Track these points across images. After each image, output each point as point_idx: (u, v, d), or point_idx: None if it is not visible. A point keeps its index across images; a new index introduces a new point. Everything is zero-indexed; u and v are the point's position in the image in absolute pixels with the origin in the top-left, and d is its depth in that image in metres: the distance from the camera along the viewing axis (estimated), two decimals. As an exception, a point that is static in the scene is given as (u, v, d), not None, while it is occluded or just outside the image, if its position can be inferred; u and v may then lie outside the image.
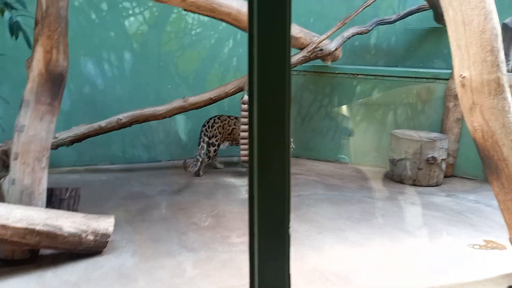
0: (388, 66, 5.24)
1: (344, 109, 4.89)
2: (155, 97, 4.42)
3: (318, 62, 4.75)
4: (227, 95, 4.16)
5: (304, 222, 3.12)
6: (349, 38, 4.63)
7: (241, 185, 3.98)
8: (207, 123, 4.29)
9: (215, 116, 4.35)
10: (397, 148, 4.21)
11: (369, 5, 4.24)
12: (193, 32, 4.61)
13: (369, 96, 4.74)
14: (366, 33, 4.74)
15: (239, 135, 4.22)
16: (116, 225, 2.61)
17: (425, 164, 4.06)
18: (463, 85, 2.12)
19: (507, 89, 2.08)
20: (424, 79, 4.51)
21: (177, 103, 4.08)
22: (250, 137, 0.53)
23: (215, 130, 4.30)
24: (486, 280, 2.36)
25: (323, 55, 4.44)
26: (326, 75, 4.90)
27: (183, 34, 4.58)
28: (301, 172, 4.51)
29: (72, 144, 3.85)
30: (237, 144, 4.35)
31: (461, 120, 4.31)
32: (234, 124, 4.35)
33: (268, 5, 0.47)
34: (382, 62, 5.41)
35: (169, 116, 4.13)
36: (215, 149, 4.31)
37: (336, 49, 4.48)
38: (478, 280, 2.36)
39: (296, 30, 4.15)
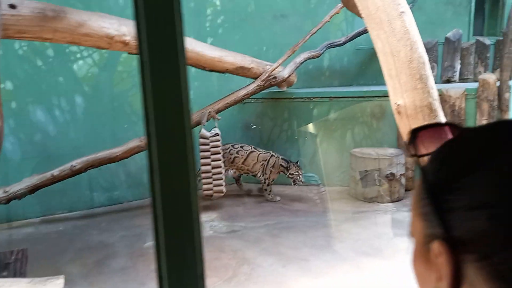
0: (343, 86, 5.38)
1: (303, 132, 4.96)
2: (112, 138, 4.34)
3: (275, 88, 4.82)
4: (184, 130, 4.12)
5: (269, 256, 3.09)
6: (302, 63, 4.74)
7: (205, 220, 3.92)
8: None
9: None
10: (357, 167, 4.28)
11: (316, 32, 4.37)
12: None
13: (326, 117, 4.83)
14: (318, 56, 4.87)
15: (243, 163, 4.36)
16: (70, 281, 2.49)
17: (385, 181, 4.14)
18: (399, 113, 2.19)
19: (440, 113, 2.17)
20: (376, 97, 4.65)
21: (134, 143, 4.02)
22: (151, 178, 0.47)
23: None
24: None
25: (277, 82, 4.51)
26: (283, 100, 4.97)
27: (135, 72, 4.55)
28: (264, 199, 4.51)
29: (24, 197, 3.70)
30: (246, 173, 4.50)
31: (415, 134, 4.43)
32: (237, 153, 4.43)
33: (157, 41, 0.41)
34: (337, 83, 5.55)
35: (127, 158, 4.05)
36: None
37: (289, 75, 4.57)
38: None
39: (247, 61, 4.21)
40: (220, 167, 4.05)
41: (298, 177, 4.33)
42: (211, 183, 4.07)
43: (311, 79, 5.25)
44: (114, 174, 4.45)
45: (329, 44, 4.97)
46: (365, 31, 5.08)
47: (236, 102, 4.30)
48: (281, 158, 4.43)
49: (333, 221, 3.79)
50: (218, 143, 4.03)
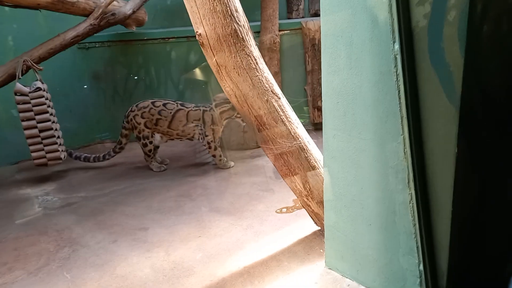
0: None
1: (163, 79, 4.35)
2: None
3: (123, 29, 4.06)
4: (-7, 87, 3.25)
5: (100, 231, 2.59)
6: (150, -3, 4.00)
7: (37, 195, 3.24)
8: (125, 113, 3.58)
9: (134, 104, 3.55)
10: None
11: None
12: None
13: (186, 60, 4.26)
14: (170, -11, 4.17)
15: (169, 127, 3.42)
16: None
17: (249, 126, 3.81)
18: (202, 45, 1.72)
19: (251, 42, 1.75)
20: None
21: None
22: None
23: (131, 120, 3.53)
24: (282, 251, 2.16)
25: (118, 20, 3.75)
26: (135, 43, 4.25)
27: None
28: (124, 160, 3.92)
29: None
30: (179, 138, 3.52)
31: (279, 72, 4.13)
32: (159, 114, 3.44)
33: None
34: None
35: None
36: (144, 142, 3.52)
37: (133, 11, 3.82)
38: (275, 253, 2.15)
39: (69, -7, 3.35)
40: (51, 129, 3.32)
41: None
42: (42, 149, 3.34)
43: (169, 16, 4.54)
44: None
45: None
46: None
47: (63, 47, 3.48)
48: (216, 105, 3.40)
49: (192, 176, 3.39)
50: (42, 99, 3.25)
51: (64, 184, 3.44)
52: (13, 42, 3.84)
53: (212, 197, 2.95)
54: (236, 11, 1.66)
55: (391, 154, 1.45)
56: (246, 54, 1.71)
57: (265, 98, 1.76)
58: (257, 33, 4.08)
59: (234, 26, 1.65)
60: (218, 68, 1.73)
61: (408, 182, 1.44)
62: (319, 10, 1.53)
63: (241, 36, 1.68)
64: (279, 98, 1.80)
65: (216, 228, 2.49)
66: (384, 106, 1.43)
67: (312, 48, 3.98)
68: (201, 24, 1.66)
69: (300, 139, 1.84)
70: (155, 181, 3.36)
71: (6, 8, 3.69)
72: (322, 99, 1.65)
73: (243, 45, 1.69)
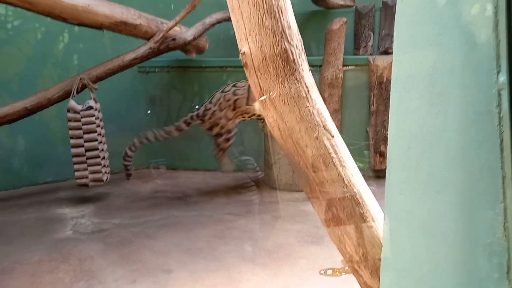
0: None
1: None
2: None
3: (183, 55, 4.02)
4: (50, 102, 3.28)
5: (123, 266, 2.35)
6: (213, 25, 3.94)
7: (72, 217, 3.13)
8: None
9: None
10: (272, 149, 3.59)
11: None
12: (8, 26, 3.67)
13: (241, 90, 4.08)
14: (234, 18, 4.08)
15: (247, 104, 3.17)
16: None
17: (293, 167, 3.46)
18: (245, 65, 1.46)
19: (304, 67, 1.45)
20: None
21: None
22: None
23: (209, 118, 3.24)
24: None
25: (178, 46, 3.71)
26: (193, 69, 4.19)
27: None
28: (167, 188, 3.76)
29: None
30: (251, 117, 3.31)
31: (339, 110, 3.78)
32: (234, 93, 3.28)
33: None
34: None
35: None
36: (226, 138, 3.30)
37: (194, 37, 3.76)
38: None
39: (132, 14, 3.37)
40: (97, 149, 3.24)
41: None
42: (85, 169, 3.26)
43: (230, 46, 4.45)
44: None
45: (249, 4, 4.18)
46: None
47: (122, 68, 3.48)
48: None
49: (231, 215, 3.08)
50: (93, 118, 3.21)
51: (102, 207, 3.32)
52: (78, 61, 3.94)
53: (249, 243, 2.60)
54: (289, 27, 1.39)
55: (484, 227, 1.03)
56: (296, 79, 1.41)
57: (315, 135, 1.44)
58: (319, 66, 3.81)
59: (284, 45, 1.37)
60: (262, 93, 1.45)
61: (508, 271, 1.00)
62: (391, 48, 1.20)
63: (291, 58, 1.39)
64: (333, 137, 1.46)
65: (246, 283, 2.13)
66: (477, 159, 1.02)
67: (378, 87, 3.60)
68: (246, 41, 1.41)
69: (355, 189, 1.46)
70: (192, 215, 3.11)
71: (76, 29, 3.82)
72: (388, 142, 1.28)
73: (293, 68, 1.40)
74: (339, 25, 3.64)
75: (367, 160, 3.87)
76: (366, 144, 3.84)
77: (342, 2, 4.29)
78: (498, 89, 0.99)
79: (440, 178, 1.12)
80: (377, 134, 3.71)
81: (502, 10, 0.98)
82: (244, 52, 1.43)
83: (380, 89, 3.58)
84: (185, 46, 3.78)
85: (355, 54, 4.32)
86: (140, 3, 3.75)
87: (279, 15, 1.38)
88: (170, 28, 3.53)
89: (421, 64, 1.18)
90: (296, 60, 1.41)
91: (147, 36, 3.54)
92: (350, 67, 3.80)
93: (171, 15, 3.76)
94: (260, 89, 1.45)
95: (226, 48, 4.48)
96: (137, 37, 3.51)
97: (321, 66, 3.78)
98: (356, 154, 4.36)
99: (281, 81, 1.41)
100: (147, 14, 3.48)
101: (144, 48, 3.52)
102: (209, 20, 3.88)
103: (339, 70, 3.71)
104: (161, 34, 3.52)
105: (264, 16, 1.36)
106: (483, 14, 1.01)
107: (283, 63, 1.40)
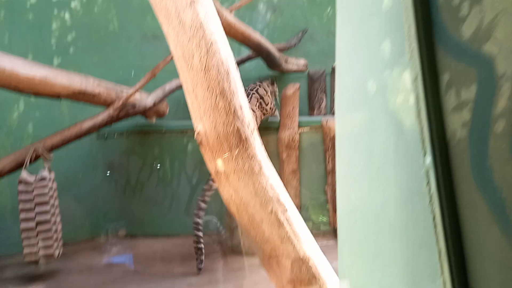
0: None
1: (177, 171, 4.20)
2: None
3: (143, 119, 4.06)
4: (0, 174, 3.15)
5: None
6: (173, 90, 4.06)
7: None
8: None
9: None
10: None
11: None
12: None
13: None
14: (193, 84, 4.23)
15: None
16: None
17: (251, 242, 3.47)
18: (200, 143, 1.52)
19: (257, 143, 1.53)
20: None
21: None
22: None
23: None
24: None
25: (138, 112, 3.76)
26: (153, 134, 4.21)
27: None
28: (123, 260, 3.59)
29: None
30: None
31: (297, 170, 3.90)
32: (258, 91, 3.64)
33: None
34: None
35: None
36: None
37: (154, 104, 3.84)
38: None
39: (92, 84, 3.41)
40: (49, 222, 3.09)
41: None
42: (35, 244, 3.08)
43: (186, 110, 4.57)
44: None
45: (208, 71, 4.37)
46: (248, 58, 4.59)
47: (79, 136, 3.44)
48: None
49: (191, 286, 2.98)
50: (45, 190, 3.09)
51: (52, 287, 3.09)
52: (33, 130, 3.87)
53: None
54: (241, 108, 1.49)
55: (428, 299, 1.08)
56: (249, 156, 1.48)
57: (269, 209, 1.49)
58: (276, 129, 3.97)
59: (237, 124, 1.46)
60: (217, 171, 1.50)
61: None
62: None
63: (244, 136, 1.47)
64: (286, 210, 1.52)
65: None
66: (415, 235, 1.10)
67: (332, 147, 3.78)
68: (201, 120, 1.48)
69: (311, 263, 1.50)
70: None
71: (32, 98, 3.80)
72: (337, 214, 1.35)
73: (246, 146, 1.48)
74: (293, 90, 3.87)
75: (326, 218, 3.95)
76: (325, 199, 3.94)
77: (295, 67, 4.60)
78: (426, 169, 1.10)
79: (385, 253, 1.19)
80: (334, 193, 3.82)
81: (421, 100, 1.12)
82: (199, 131, 1.50)
83: (334, 149, 3.75)
84: (145, 112, 3.83)
85: (310, 115, 4.55)
86: (101, 71, 3.83)
87: (231, 97, 1.48)
88: (130, 96, 3.59)
89: (359, 144, 1.29)
90: (248, 138, 1.50)
91: (107, 104, 3.57)
92: (305, 129, 3.99)
93: (132, 82, 3.85)
94: (215, 166, 1.50)
95: (187, 111, 4.58)
96: (96, 105, 3.54)
97: (277, 128, 3.94)
98: (318, 209, 4.45)
99: (234, 158, 1.48)
100: (106, 82, 3.55)
101: (103, 115, 3.54)
102: (169, 86, 4.00)
103: (295, 132, 3.88)
104: (121, 102, 3.56)
105: (217, 98, 1.46)
106: (407, 103, 1.15)
107: (236, 141, 1.47)
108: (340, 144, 1.35)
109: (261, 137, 4.15)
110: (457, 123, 1.02)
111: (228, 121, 1.45)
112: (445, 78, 1.06)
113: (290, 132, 3.88)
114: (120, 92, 3.64)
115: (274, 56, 4.23)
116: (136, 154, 4.25)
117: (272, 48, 4.15)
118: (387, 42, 1.22)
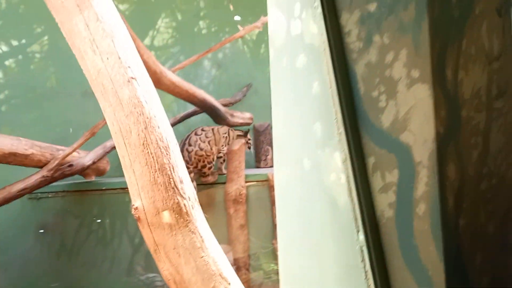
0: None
1: (118, 231, 3.98)
2: None
3: (80, 177, 3.86)
4: None
5: None
6: (114, 148, 3.94)
7: None
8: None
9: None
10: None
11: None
12: None
13: (145, 212, 3.99)
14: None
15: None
16: None
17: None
18: (138, 219, 1.47)
19: (198, 217, 1.51)
20: (208, 184, 4.05)
21: None
22: None
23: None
24: None
25: (75, 172, 3.58)
26: (92, 193, 4.00)
27: None
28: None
29: None
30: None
31: (245, 225, 3.87)
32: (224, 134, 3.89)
33: None
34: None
35: None
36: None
37: (93, 162, 3.69)
38: None
39: (24, 145, 3.22)
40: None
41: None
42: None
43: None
44: None
45: (152, 125, 4.33)
46: (193, 113, 4.63)
47: (7, 201, 3.19)
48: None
49: None
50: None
51: None
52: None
53: None
54: (181, 182, 1.47)
55: None
56: (190, 230, 1.46)
57: (212, 285, 1.45)
58: (223, 183, 3.96)
59: (177, 199, 1.44)
60: (156, 247, 1.45)
61: None
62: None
63: (185, 211, 1.45)
64: (229, 284, 1.48)
65: None
66: (354, 311, 1.13)
67: (279, 202, 3.83)
68: (139, 196, 1.44)
69: None
70: None
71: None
72: (280, 283, 1.35)
73: (187, 220, 1.45)
74: (239, 145, 3.93)
75: (276, 266, 3.91)
76: (274, 251, 3.91)
77: (241, 121, 4.70)
78: (360, 246, 1.14)
79: (326, 329, 1.19)
80: (282, 247, 3.82)
81: (352, 180, 1.19)
82: (137, 207, 1.46)
83: (280, 204, 3.81)
84: (83, 171, 3.66)
85: (257, 167, 4.62)
86: (37, 129, 3.65)
87: (171, 171, 1.46)
88: (66, 156, 3.43)
89: (298, 217, 1.32)
90: (189, 212, 1.47)
91: (40, 165, 3.37)
92: (252, 183, 4.02)
93: (70, 139, 3.69)
94: (154, 242, 1.45)
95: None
96: (28, 167, 3.32)
97: (225, 183, 3.93)
98: (269, 257, 4.39)
99: (174, 234, 1.44)
100: (40, 142, 3.37)
101: (35, 177, 3.32)
102: (110, 143, 3.88)
103: (242, 186, 3.89)
104: (56, 162, 3.38)
105: (156, 174, 1.44)
106: (339, 182, 1.21)
107: (177, 216, 1.45)
108: (281, 216, 1.37)
109: (208, 193, 4.11)
110: (384, 204, 1.09)
111: (168, 196, 1.42)
112: (371, 161, 1.14)
113: (237, 187, 3.89)
114: (56, 151, 3.46)
115: (219, 111, 4.31)
116: (72, 214, 3.98)
117: (217, 103, 4.23)
118: (318, 124, 1.30)
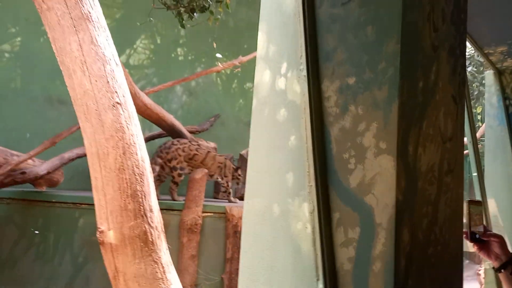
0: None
1: (61, 248, 3.79)
2: None
3: (30, 186, 3.69)
4: None
5: None
6: (73, 159, 3.82)
7: None
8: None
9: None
10: None
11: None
12: None
13: (92, 231, 3.84)
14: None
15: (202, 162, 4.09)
16: None
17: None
18: (102, 243, 1.47)
19: (163, 247, 1.54)
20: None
21: None
22: None
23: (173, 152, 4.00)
24: None
25: (27, 180, 3.43)
26: (39, 204, 3.81)
27: None
28: None
29: None
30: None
31: (196, 256, 3.83)
32: (196, 150, 4.10)
33: None
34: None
35: None
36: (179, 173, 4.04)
37: (48, 172, 3.56)
38: None
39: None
40: None
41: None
42: None
43: (88, 180, 4.30)
44: None
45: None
46: (159, 136, 4.63)
47: None
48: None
49: None
50: None
51: None
52: None
53: None
54: (151, 210, 1.50)
55: None
56: (154, 260, 1.47)
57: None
58: (179, 210, 3.93)
59: (145, 227, 1.46)
60: (116, 273, 1.44)
61: None
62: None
63: (151, 240, 1.47)
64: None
65: None
66: None
67: (234, 235, 3.84)
68: (106, 220, 1.45)
69: None
70: None
71: None
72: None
73: (151, 249, 1.47)
74: (201, 175, 3.95)
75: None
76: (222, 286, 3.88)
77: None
78: (318, 294, 1.23)
79: None
80: (231, 282, 3.81)
81: (317, 231, 1.29)
82: (102, 230, 1.46)
83: (235, 238, 3.82)
84: (36, 180, 3.51)
85: (215, 198, 4.63)
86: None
87: (142, 199, 1.49)
88: (20, 162, 3.29)
89: (262, 259, 1.39)
90: (155, 242, 1.49)
91: (-9, 168, 3.20)
92: (209, 214, 4.02)
93: (26, 144, 3.55)
94: (115, 268, 1.45)
95: (84, 182, 4.30)
96: (-23, 168, 3.14)
97: (181, 210, 3.90)
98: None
99: (137, 262, 1.45)
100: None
101: (-17, 180, 3.14)
102: (68, 155, 3.78)
103: (199, 216, 3.88)
104: (8, 168, 3.23)
105: (128, 200, 1.46)
106: (305, 231, 1.30)
107: (142, 244, 1.46)
108: (244, 259, 1.43)
109: (163, 217, 4.05)
110: (344, 257, 1.19)
111: (136, 224, 1.44)
112: (336, 216, 1.25)
113: (193, 216, 3.87)
114: (10, 156, 3.32)
115: (185, 137, 4.34)
116: (14, 224, 3.75)
117: (184, 130, 4.27)
118: (290, 174, 1.41)
